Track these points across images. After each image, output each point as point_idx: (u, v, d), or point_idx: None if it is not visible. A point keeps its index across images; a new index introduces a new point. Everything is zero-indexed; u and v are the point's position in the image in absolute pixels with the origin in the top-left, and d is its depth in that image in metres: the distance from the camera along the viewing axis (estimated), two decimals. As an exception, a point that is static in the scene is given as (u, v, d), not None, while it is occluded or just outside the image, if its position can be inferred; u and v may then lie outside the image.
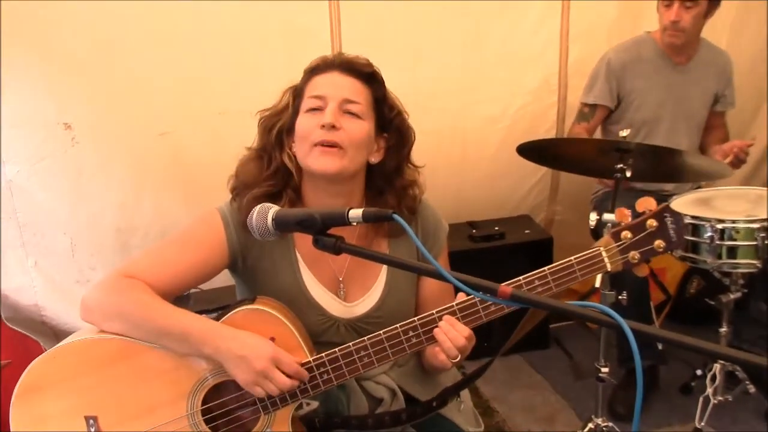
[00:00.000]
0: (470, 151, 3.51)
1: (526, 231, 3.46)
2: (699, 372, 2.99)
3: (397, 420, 1.66)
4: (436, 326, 1.48)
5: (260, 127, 1.69)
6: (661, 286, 3.57)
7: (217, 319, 1.54)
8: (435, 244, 1.74)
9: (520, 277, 1.48)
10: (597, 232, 2.35)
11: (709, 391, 2.81)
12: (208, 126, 3.05)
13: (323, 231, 1.29)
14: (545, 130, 3.55)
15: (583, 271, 1.48)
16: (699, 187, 3.02)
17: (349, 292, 1.69)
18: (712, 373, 2.84)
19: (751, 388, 2.86)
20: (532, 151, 2.58)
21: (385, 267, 1.70)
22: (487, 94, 3.43)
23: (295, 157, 1.63)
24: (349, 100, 1.60)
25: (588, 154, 2.52)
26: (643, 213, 1.49)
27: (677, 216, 1.48)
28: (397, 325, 1.49)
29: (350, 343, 1.51)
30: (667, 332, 1.02)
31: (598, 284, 2.20)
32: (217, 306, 2.77)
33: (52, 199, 2.99)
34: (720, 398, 2.81)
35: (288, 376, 1.46)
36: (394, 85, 3.42)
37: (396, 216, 1.23)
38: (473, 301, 1.47)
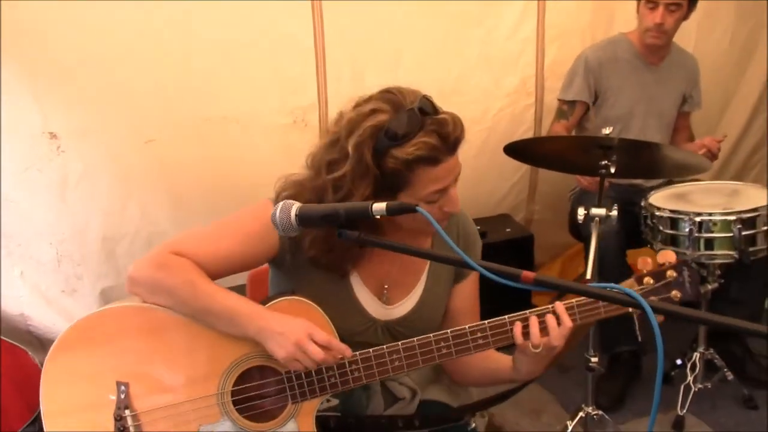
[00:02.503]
0: (452, 153, 3.56)
1: (507, 229, 3.53)
2: (679, 362, 3.08)
3: (409, 425, 1.71)
4: (467, 340, 1.53)
5: (326, 200, 1.54)
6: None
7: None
8: (470, 254, 1.77)
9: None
10: (585, 226, 2.44)
11: (690, 379, 2.92)
12: (194, 132, 3.06)
13: (346, 225, 1.33)
14: (523, 131, 3.62)
15: (607, 308, 1.56)
16: (671, 182, 3.13)
17: (390, 295, 1.72)
18: (692, 362, 2.94)
19: (730, 376, 2.98)
20: (517, 150, 2.65)
21: (426, 272, 1.73)
22: (467, 96, 3.48)
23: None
24: (457, 175, 1.59)
25: (572, 152, 2.59)
26: (664, 264, 1.58)
27: (693, 271, 1.57)
28: (431, 335, 1.53)
29: (384, 346, 1.55)
30: (692, 311, 1.08)
31: (588, 275, 2.28)
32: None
33: (37, 209, 2.96)
34: (700, 386, 2.92)
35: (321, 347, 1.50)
36: (375, 88, 3.44)
37: (419, 208, 1.28)
38: (504, 321, 1.53)
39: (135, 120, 2.99)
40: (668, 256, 1.59)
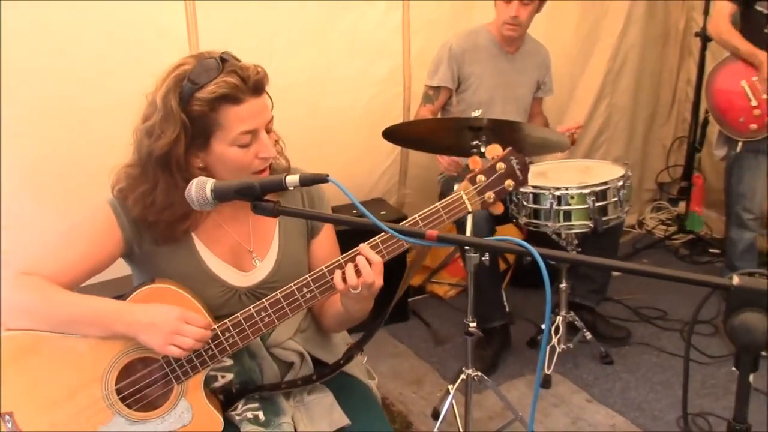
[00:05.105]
0: (327, 140, 3.67)
1: (382, 212, 3.66)
2: (543, 326, 3.33)
3: (308, 381, 1.79)
4: (328, 279, 1.58)
5: (142, 151, 1.61)
6: (502, 256, 3.93)
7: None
8: (322, 202, 1.87)
9: (394, 225, 1.56)
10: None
11: (554, 341, 3.20)
12: (70, 124, 2.99)
13: (261, 198, 1.40)
14: (393, 117, 3.79)
15: (448, 214, 1.60)
16: (531, 162, 3.38)
17: (246, 261, 1.77)
18: (555, 325, 3.22)
19: (588, 335, 3.28)
20: (394, 134, 2.79)
21: (276, 234, 1.79)
22: (339, 85, 3.61)
23: (203, 168, 1.64)
24: (269, 121, 1.65)
25: (444, 134, 2.76)
26: (493, 158, 1.65)
27: (520, 157, 1.64)
28: (292, 284, 1.59)
29: (250, 306, 1.59)
30: (573, 255, 1.25)
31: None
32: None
33: None
34: (563, 347, 3.21)
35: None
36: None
37: (331, 178, 1.37)
38: (357, 254, 1.58)
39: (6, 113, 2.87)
40: (495, 150, 1.62)
